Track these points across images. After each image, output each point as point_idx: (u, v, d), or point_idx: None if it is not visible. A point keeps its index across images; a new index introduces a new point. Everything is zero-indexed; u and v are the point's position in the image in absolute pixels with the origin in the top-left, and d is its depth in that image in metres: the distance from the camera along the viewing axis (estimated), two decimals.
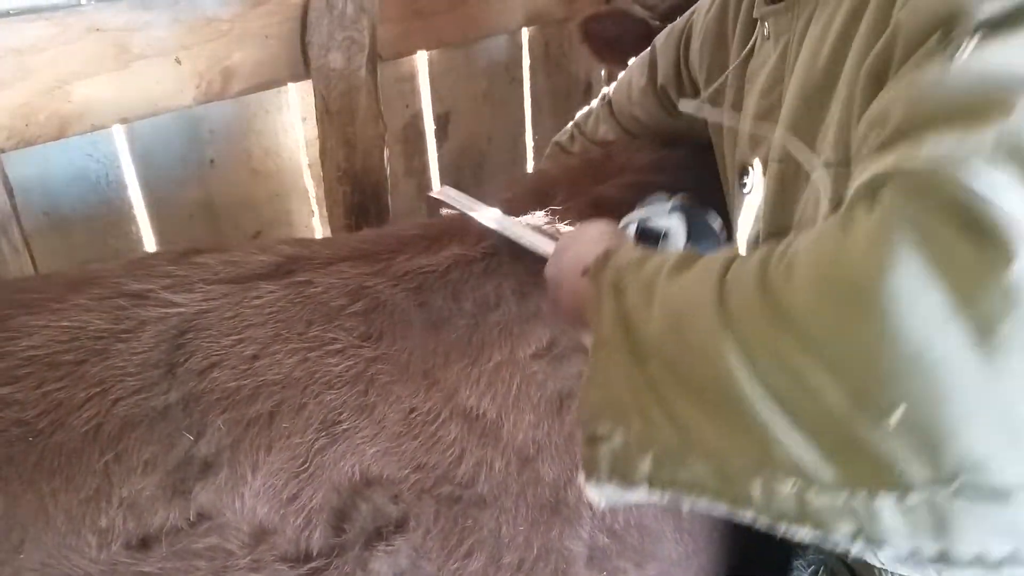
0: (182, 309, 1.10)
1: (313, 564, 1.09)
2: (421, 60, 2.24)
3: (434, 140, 2.36)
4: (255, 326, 1.12)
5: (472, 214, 1.35)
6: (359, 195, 2.01)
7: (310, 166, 2.05)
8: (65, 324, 1.05)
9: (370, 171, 2.02)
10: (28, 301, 1.08)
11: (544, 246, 1.22)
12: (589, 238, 1.08)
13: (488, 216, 1.33)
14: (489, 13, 2.33)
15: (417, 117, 2.30)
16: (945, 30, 0.70)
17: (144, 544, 1.00)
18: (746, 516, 0.75)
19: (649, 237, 1.18)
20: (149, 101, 1.59)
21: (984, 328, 0.58)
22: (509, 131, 2.60)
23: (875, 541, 0.69)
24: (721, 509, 0.76)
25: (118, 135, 1.65)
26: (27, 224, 1.49)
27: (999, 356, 0.59)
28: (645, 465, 0.80)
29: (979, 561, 0.68)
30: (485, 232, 1.33)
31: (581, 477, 0.87)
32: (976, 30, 0.67)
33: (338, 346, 1.14)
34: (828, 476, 0.67)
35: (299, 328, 1.14)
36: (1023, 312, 0.57)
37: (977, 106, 0.63)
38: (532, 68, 2.62)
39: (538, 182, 1.57)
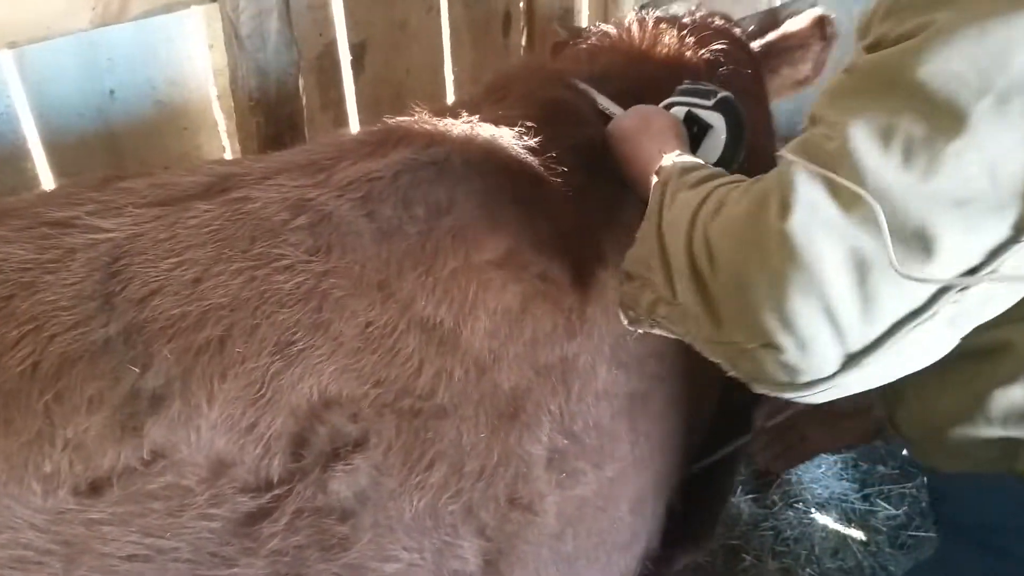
0: (112, 234, 1.02)
1: (275, 492, 1.05)
2: None
3: (350, 71, 2.25)
4: (194, 247, 1.05)
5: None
6: (274, 126, 1.90)
7: (219, 97, 1.92)
8: None
9: (285, 101, 1.91)
10: None
11: (613, 109, 1.53)
12: (656, 124, 1.41)
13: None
14: None
15: (331, 46, 2.17)
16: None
17: (94, 489, 0.94)
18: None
19: (694, 123, 1.43)
20: (39, 23, 1.46)
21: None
22: (428, 63, 2.50)
23: None
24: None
25: (7, 62, 1.52)
26: None
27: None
28: (645, 300, 1.19)
29: None
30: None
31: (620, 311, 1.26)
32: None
33: (286, 262, 1.08)
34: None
35: (242, 246, 1.07)
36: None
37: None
38: None
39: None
